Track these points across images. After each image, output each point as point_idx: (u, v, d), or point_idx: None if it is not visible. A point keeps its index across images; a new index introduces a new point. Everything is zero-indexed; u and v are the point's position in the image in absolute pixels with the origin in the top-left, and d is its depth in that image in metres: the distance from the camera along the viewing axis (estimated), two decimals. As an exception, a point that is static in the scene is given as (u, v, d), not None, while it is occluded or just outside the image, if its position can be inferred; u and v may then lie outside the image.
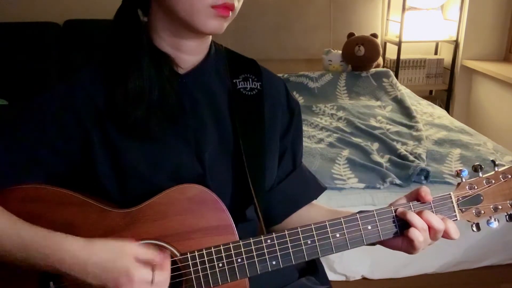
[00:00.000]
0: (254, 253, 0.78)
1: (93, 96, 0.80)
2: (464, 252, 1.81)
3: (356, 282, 1.82)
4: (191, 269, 0.77)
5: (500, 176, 0.85)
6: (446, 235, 0.81)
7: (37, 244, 0.71)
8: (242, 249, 0.77)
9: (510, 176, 0.85)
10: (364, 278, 1.81)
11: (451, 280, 1.86)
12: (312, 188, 0.99)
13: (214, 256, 0.77)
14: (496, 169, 0.86)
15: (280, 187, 0.94)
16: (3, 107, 2.82)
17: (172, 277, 0.78)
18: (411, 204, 0.83)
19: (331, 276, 1.76)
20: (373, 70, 3.11)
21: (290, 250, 0.79)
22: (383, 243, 0.84)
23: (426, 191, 0.82)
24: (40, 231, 0.72)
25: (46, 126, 0.79)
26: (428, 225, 0.79)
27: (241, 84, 0.89)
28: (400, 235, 0.82)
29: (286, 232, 0.79)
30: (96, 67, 0.83)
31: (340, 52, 3.15)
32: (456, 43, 3.38)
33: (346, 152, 2.07)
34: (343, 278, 1.81)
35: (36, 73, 3.03)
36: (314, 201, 1.00)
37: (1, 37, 3.02)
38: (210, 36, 0.86)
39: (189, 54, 0.84)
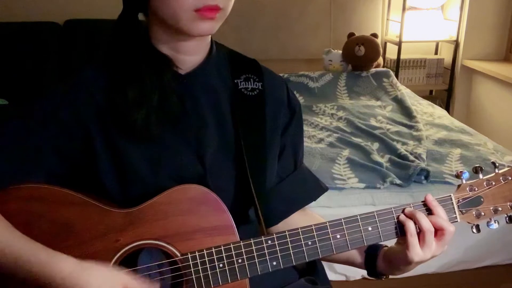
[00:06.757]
0: (255, 254, 0.78)
1: (95, 95, 0.80)
2: (464, 252, 1.81)
3: (356, 282, 1.82)
4: (192, 270, 0.77)
5: (501, 178, 0.86)
6: (440, 231, 0.82)
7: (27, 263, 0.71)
8: (243, 250, 0.78)
9: (510, 178, 0.85)
10: (364, 278, 1.80)
11: (451, 280, 1.86)
12: (310, 190, 0.97)
13: (215, 257, 0.77)
14: (497, 170, 0.86)
15: (278, 188, 0.93)
16: (3, 107, 2.81)
17: (173, 278, 0.78)
18: (411, 204, 0.83)
19: (331, 276, 1.76)
20: (373, 70, 3.11)
21: (291, 251, 0.79)
22: (391, 262, 0.86)
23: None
24: (30, 245, 0.72)
25: (47, 125, 0.79)
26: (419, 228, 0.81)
27: (243, 84, 0.89)
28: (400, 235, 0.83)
29: (286, 233, 0.79)
30: (99, 67, 0.83)
31: (340, 52, 3.15)
32: (456, 43, 3.38)
33: (346, 152, 2.07)
34: (343, 278, 1.81)
35: (36, 73, 3.02)
36: (313, 212, 0.99)
37: (1, 37, 3.02)
38: (209, 36, 0.86)
39: (188, 54, 0.83)
